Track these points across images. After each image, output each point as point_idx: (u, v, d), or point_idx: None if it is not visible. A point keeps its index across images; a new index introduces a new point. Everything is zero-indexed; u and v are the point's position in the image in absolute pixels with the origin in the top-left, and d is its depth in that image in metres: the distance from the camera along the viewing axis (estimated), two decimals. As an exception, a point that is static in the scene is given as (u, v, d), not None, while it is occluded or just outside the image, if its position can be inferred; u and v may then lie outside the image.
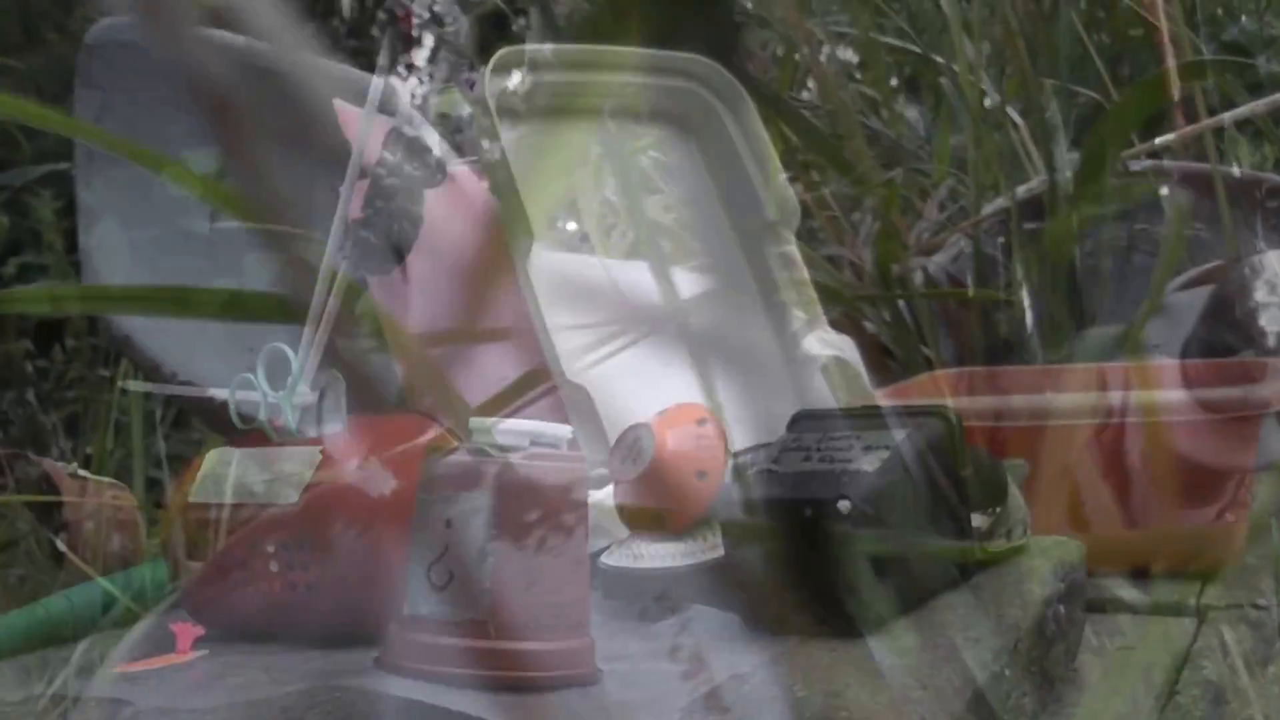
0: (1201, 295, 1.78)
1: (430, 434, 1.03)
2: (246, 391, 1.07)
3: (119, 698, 0.89)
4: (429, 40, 1.14)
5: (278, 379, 1.06)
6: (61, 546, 1.15)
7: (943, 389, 1.56)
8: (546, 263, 1.33)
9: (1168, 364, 1.62)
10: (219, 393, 1.08)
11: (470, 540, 0.88)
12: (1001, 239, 2.01)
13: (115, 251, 1.66)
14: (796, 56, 2.45)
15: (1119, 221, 1.97)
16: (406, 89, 1.12)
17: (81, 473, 1.19)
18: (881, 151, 2.37)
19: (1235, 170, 2.04)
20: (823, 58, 2.50)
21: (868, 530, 0.98)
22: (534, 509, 0.88)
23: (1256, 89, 2.21)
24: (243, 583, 1.00)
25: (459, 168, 1.31)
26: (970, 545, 1.09)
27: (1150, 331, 1.79)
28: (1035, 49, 2.13)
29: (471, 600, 0.87)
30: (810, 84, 2.47)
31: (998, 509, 1.13)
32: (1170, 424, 1.35)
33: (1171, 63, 1.88)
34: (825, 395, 1.51)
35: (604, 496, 1.13)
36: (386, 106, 1.15)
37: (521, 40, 2.22)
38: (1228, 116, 2.06)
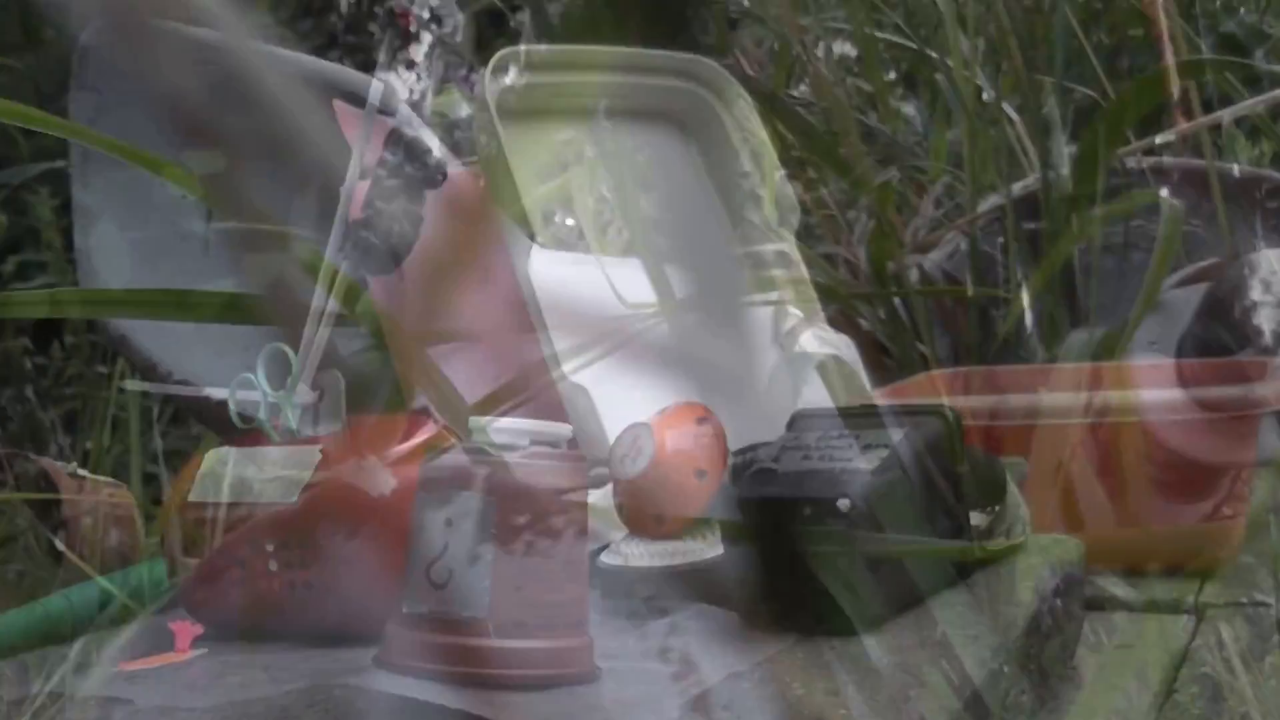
0: (1197, 293, 1.78)
1: (429, 433, 1.03)
2: (246, 391, 1.07)
3: (118, 696, 0.90)
4: (427, 40, 1.14)
5: (277, 379, 1.06)
6: (60, 546, 1.15)
7: (940, 389, 1.56)
8: (543, 261, 1.33)
9: (1165, 363, 1.63)
10: (218, 393, 1.08)
11: (470, 539, 0.88)
12: (1000, 239, 2.01)
13: (112, 252, 1.66)
14: (793, 53, 2.45)
15: (1116, 219, 1.97)
16: (405, 89, 1.12)
17: (80, 472, 1.20)
18: (878, 148, 2.37)
19: (1235, 169, 2.03)
20: (818, 54, 2.50)
21: (866, 529, 0.98)
22: (533, 508, 0.88)
23: (1255, 84, 2.20)
24: (241, 582, 1.00)
25: (459, 168, 1.31)
26: (969, 543, 1.09)
27: (1147, 329, 1.79)
28: (1035, 43, 2.13)
29: (471, 599, 0.87)
30: (807, 81, 2.47)
31: (996, 507, 1.14)
32: (1167, 423, 1.35)
33: (1170, 59, 1.88)
34: (820, 391, 1.51)
35: (603, 496, 1.13)
36: (386, 107, 1.15)
37: (519, 36, 2.23)
38: (1225, 114, 2.06)
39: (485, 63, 1.39)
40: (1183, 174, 2.00)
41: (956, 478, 1.07)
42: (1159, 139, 2.05)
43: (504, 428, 0.90)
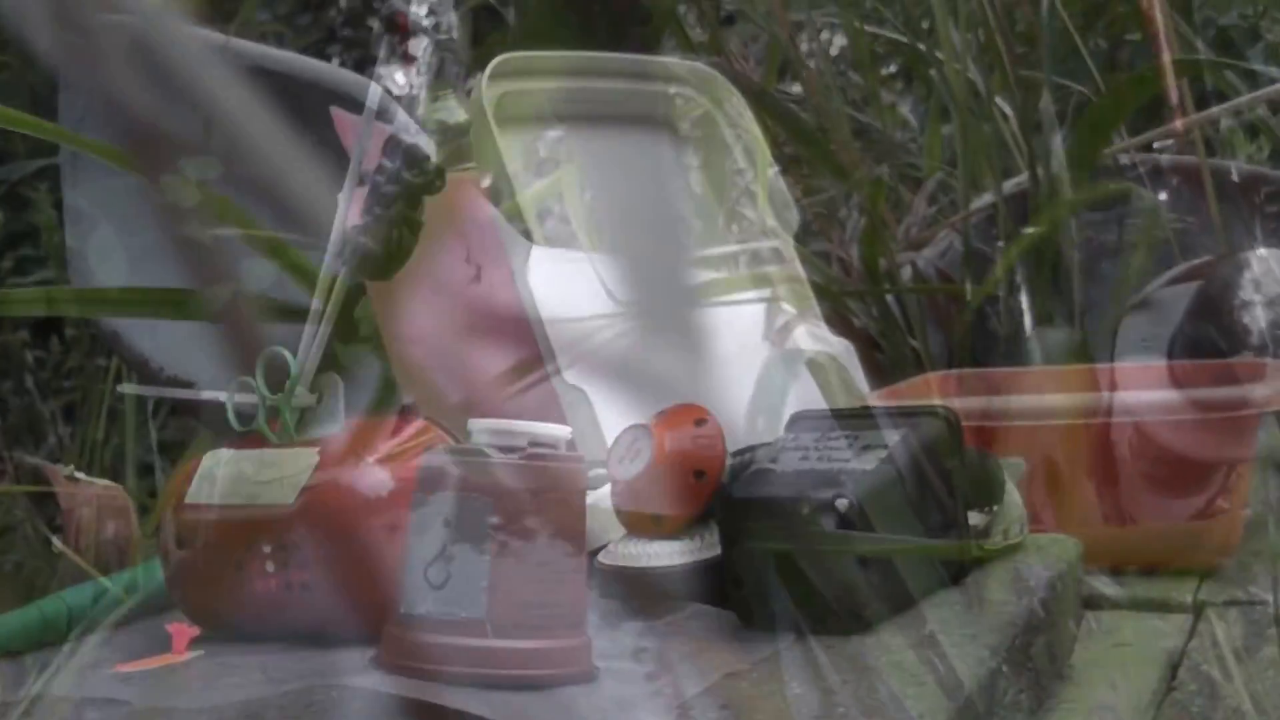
0: (1189, 291, 1.78)
1: (427, 435, 1.03)
2: (245, 395, 1.07)
3: (116, 698, 0.90)
4: (424, 44, 1.14)
5: (276, 381, 1.06)
6: (58, 545, 1.15)
7: (936, 390, 1.56)
8: (539, 259, 1.34)
9: (1161, 365, 1.63)
10: (217, 396, 1.08)
11: (467, 540, 0.88)
12: (997, 238, 2.01)
13: (104, 254, 1.67)
14: (783, 50, 2.44)
15: (1109, 216, 1.96)
16: (403, 95, 1.12)
17: (77, 474, 1.19)
18: (870, 145, 2.37)
19: (1234, 169, 2.03)
20: (808, 50, 2.50)
21: (865, 528, 0.98)
22: (532, 509, 0.89)
23: (1251, 79, 2.20)
24: (239, 583, 1.00)
25: (456, 174, 1.32)
26: (967, 543, 1.09)
27: (1138, 327, 1.79)
28: (1031, 40, 2.13)
29: (468, 599, 0.87)
30: (802, 76, 2.46)
31: (994, 507, 1.14)
32: (1164, 423, 1.35)
33: (1166, 56, 1.88)
34: (811, 388, 1.52)
35: (601, 496, 1.13)
36: (384, 113, 1.15)
37: (514, 33, 2.23)
38: (1216, 110, 2.06)
39: (479, 63, 1.40)
40: (1179, 172, 2.00)
41: (954, 478, 1.07)
42: (1155, 141, 2.05)
43: (502, 429, 0.90)
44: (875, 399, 1.50)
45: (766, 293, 1.56)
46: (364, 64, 1.17)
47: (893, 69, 2.79)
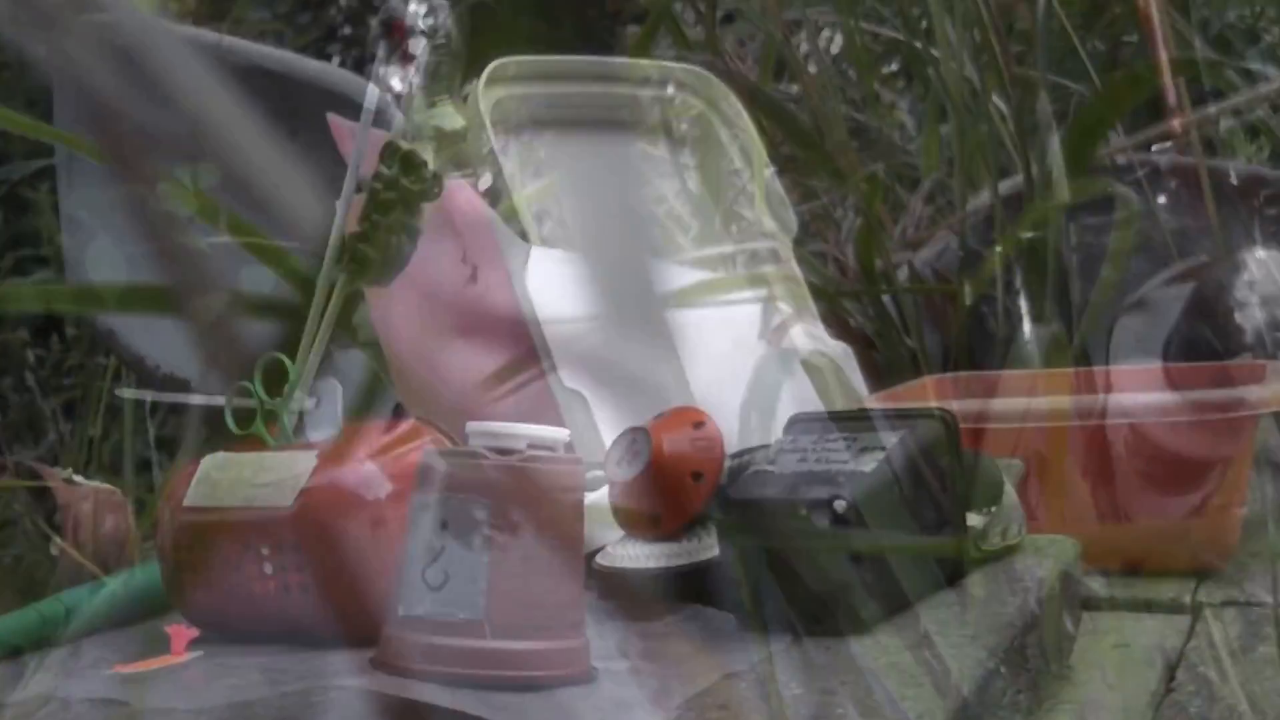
0: (1185, 291, 1.78)
1: (425, 438, 1.03)
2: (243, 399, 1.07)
3: (114, 698, 0.90)
4: (421, 49, 1.15)
5: (274, 385, 1.07)
6: (54, 551, 1.15)
7: (933, 393, 1.57)
8: (537, 260, 1.34)
9: (1158, 367, 1.63)
10: (215, 399, 1.08)
11: (466, 541, 0.88)
12: (994, 239, 2.01)
13: (102, 261, 1.67)
14: (778, 48, 2.44)
15: (1105, 217, 1.96)
16: (400, 99, 1.12)
17: (76, 478, 1.20)
18: (868, 144, 2.37)
19: (1232, 170, 2.03)
20: (809, 49, 2.49)
21: (863, 530, 0.99)
22: (530, 511, 0.89)
23: (1250, 79, 2.20)
24: (237, 585, 1.00)
25: (454, 180, 1.32)
26: (965, 544, 1.09)
27: (1134, 327, 1.79)
28: (1028, 40, 2.12)
29: (467, 601, 0.87)
30: (799, 78, 2.46)
31: (993, 508, 1.14)
32: (1161, 425, 1.35)
33: (1163, 55, 1.88)
34: (806, 387, 1.53)
35: (599, 498, 1.14)
36: (381, 120, 1.16)
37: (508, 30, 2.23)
38: (1214, 109, 2.05)
39: (473, 65, 1.40)
40: (1177, 173, 2.00)
41: (952, 480, 1.07)
42: (1154, 142, 2.05)
43: (499, 432, 0.90)
44: (873, 402, 1.50)
45: (763, 292, 1.56)
46: (363, 63, 1.18)
47: (894, 68, 2.78)
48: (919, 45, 2.34)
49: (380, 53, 1.13)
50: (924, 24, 2.37)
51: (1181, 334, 1.71)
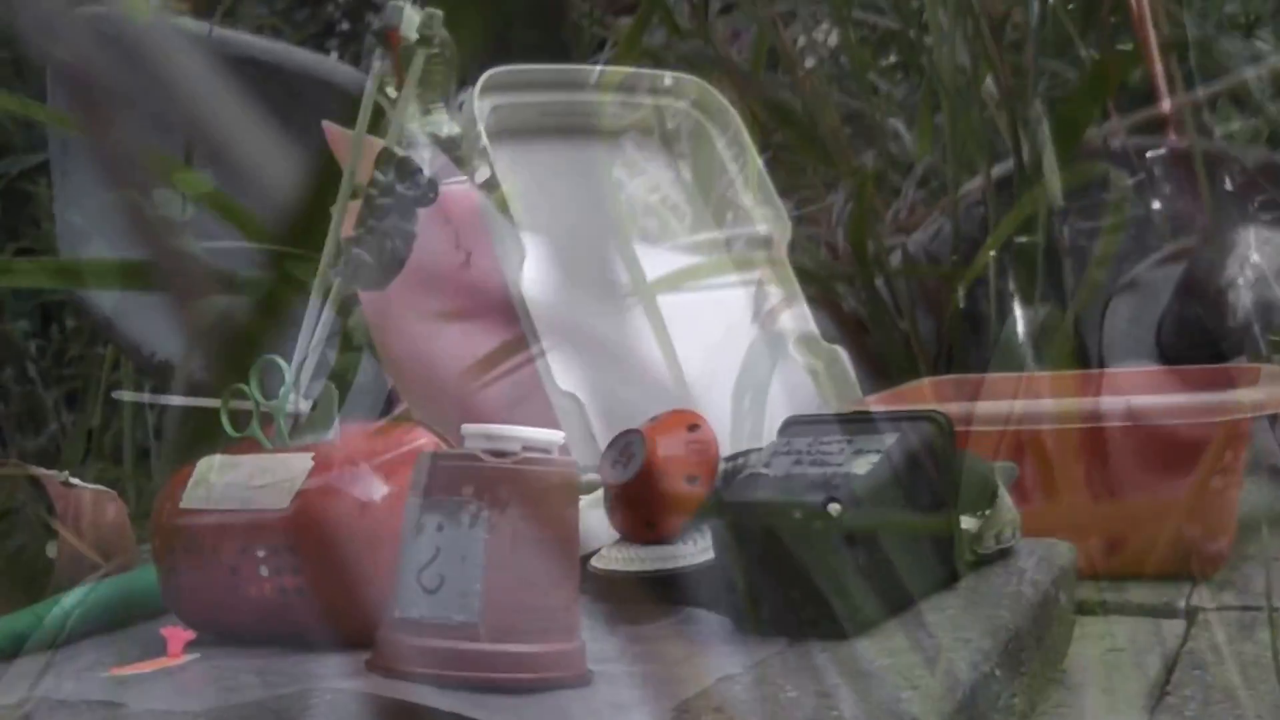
0: (1177, 271, 1.78)
1: (421, 440, 1.03)
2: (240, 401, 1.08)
3: (112, 700, 0.90)
4: (416, 58, 1.15)
5: (271, 388, 1.07)
6: (51, 553, 1.15)
7: (930, 394, 1.57)
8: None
9: (1154, 368, 1.63)
10: (212, 401, 1.08)
11: (461, 544, 0.88)
12: (986, 222, 2.00)
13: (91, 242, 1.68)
14: (770, 35, 2.43)
15: (1093, 199, 1.96)
16: (396, 107, 1.13)
17: (73, 481, 1.20)
18: (862, 129, 2.36)
19: (1223, 150, 2.02)
20: (807, 38, 2.49)
21: (858, 532, 0.99)
22: (525, 513, 0.89)
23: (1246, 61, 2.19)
24: (233, 587, 1.00)
25: (449, 186, 1.32)
26: (960, 547, 1.09)
27: (1127, 307, 1.79)
28: (1023, 28, 2.12)
29: (463, 603, 0.88)
30: (789, 62, 2.46)
31: (987, 511, 1.14)
32: (1156, 427, 1.35)
33: (1151, 34, 1.87)
34: (796, 368, 1.53)
35: (594, 501, 1.14)
36: (376, 126, 1.16)
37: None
38: (1202, 92, 2.05)
39: (467, 72, 1.40)
40: (1171, 154, 1.99)
41: (947, 482, 1.07)
42: (1145, 125, 2.04)
43: (495, 434, 0.91)
44: (869, 403, 1.50)
45: (755, 275, 1.58)
46: (360, 59, 1.18)
47: (891, 59, 2.78)
48: (912, 33, 2.33)
49: (376, 60, 1.13)
50: (922, 16, 2.37)
51: (1174, 313, 1.71)
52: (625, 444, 1.13)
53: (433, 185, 1.10)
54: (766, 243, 1.61)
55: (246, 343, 1.13)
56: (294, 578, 0.99)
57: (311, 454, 1.02)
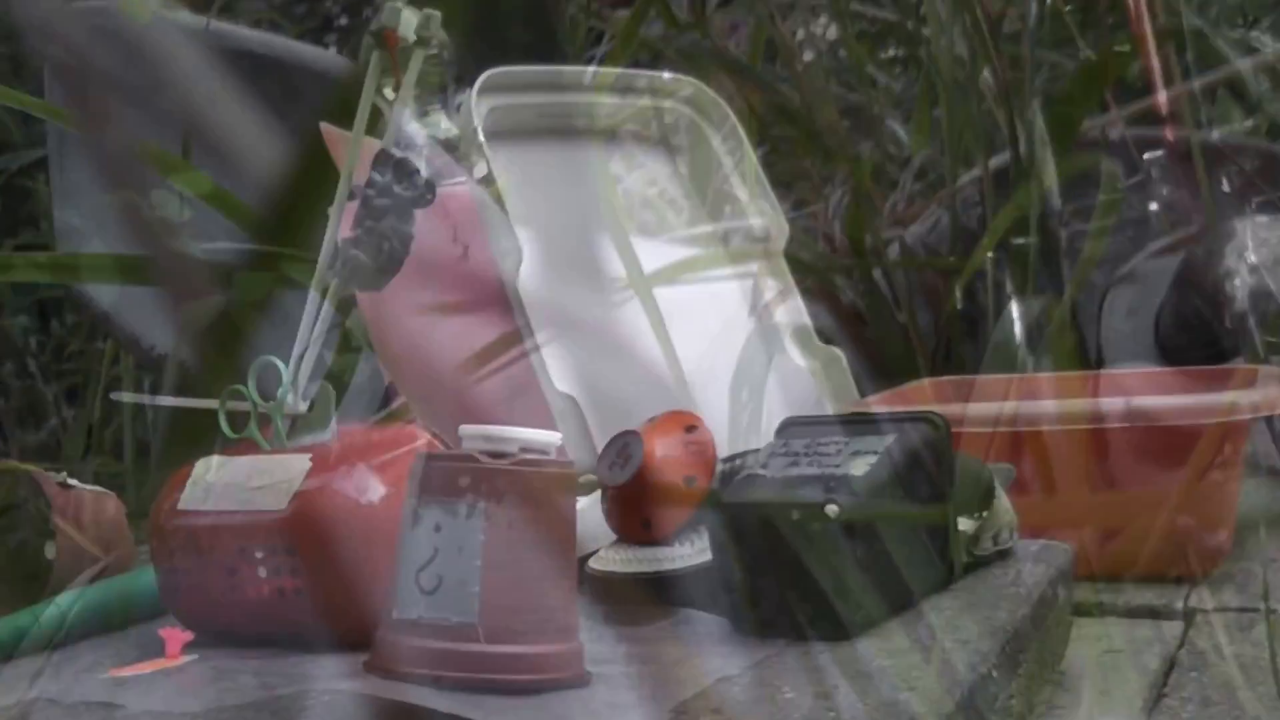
0: (1175, 261, 1.78)
1: (418, 441, 1.03)
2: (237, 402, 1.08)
3: (110, 701, 0.90)
4: (413, 59, 1.15)
5: (268, 389, 1.07)
6: (50, 554, 1.15)
7: (929, 395, 1.57)
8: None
9: (1152, 370, 1.63)
10: (210, 403, 1.08)
11: (459, 545, 0.88)
12: (983, 214, 2.00)
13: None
14: (768, 28, 2.43)
15: (1088, 189, 1.96)
16: (394, 109, 1.13)
17: (71, 481, 1.20)
18: (860, 120, 2.36)
19: (1220, 140, 2.02)
20: (807, 32, 2.49)
21: (855, 533, 0.99)
22: (522, 514, 0.89)
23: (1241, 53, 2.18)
24: (231, 588, 1.00)
25: (446, 187, 1.33)
26: (957, 549, 1.09)
27: (1125, 297, 1.79)
28: (1022, 20, 2.12)
29: (461, 604, 0.88)
30: (787, 53, 2.46)
31: (985, 513, 1.14)
32: (1154, 429, 1.36)
33: (1147, 26, 1.87)
34: (793, 362, 1.53)
35: (592, 502, 1.14)
36: (374, 127, 1.17)
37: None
38: (1197, 84, 2.05)
39: (465, 73, 1.40)
40: (1168, 145, 1.99)
41: (945, 484, 1.07)
42: (1142, 115, 2.04)
43: (493, 435, 0.91)
44: (869, 404, 1.51)
45: (752, 268, 1.58)
46: (358, 55, 1.18)
47: (890, 52, 2.78)
48: (910, 26, 2.33)
49: (373, 62, 1.13)
50: (920, 9, 2.37)
51: (1172, 303, 1.71)
52: (622, 445, 1.13)
53: (430, 186, 1.10)
54: (763, 237, 1.61)
55: (240, 341, 1.14)
56: (292, 578, 0.98)
57: (309, 455, 1.02)
